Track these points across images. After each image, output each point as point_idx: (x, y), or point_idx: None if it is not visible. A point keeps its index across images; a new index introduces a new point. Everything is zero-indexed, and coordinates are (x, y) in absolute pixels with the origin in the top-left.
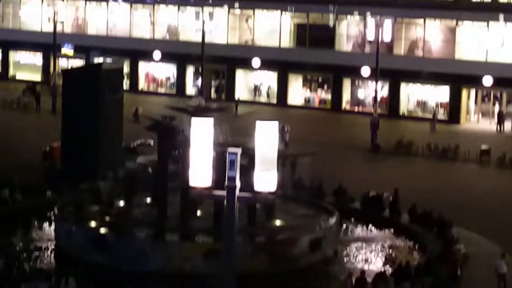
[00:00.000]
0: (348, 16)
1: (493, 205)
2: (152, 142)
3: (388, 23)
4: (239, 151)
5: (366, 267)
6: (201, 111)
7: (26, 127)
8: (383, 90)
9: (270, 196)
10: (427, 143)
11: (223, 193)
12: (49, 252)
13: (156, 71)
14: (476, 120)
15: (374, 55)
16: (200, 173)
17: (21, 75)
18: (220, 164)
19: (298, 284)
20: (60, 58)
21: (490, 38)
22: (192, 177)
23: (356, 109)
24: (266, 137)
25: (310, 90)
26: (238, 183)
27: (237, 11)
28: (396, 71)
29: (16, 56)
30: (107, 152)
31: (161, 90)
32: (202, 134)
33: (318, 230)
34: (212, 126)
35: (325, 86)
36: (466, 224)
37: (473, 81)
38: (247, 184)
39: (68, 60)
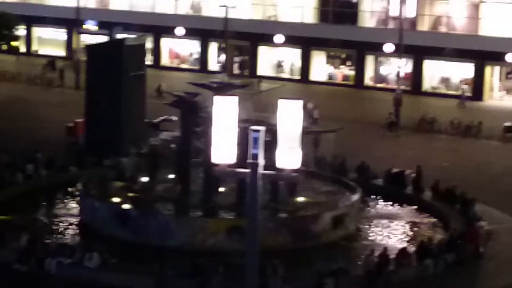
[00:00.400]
0: None
1: None
2: (175, 118)
3: None
4: (262, 128)
5: (388, 243)
6: (224, 88)
7: (49, 102)
8: (407, 67)
9: (294, 174)
10: (450, 120)
11: (246, 170)
12: (73, 227)
13: (179, 47)
14: (500, 97)
15: (398, 31)
16: (223, 150)
17: (44, 51)
18: (243, 140)
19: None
20: (83, 34)
21: None
22: (215, 154)
23: (379, 85)
24: (290, 115)
25: (333, 66)
26: (261, 161)
27: None
28: (419, 48)
29: (39, 32)
30: (130, 128)
31: (184, 66)
32: (224, 112)
33: (341, 207)
34: (236, 103)
35: (348, 62)
36: (489, 201)
37: (497, 57)
38: (270, 160)
39: (91, 36)
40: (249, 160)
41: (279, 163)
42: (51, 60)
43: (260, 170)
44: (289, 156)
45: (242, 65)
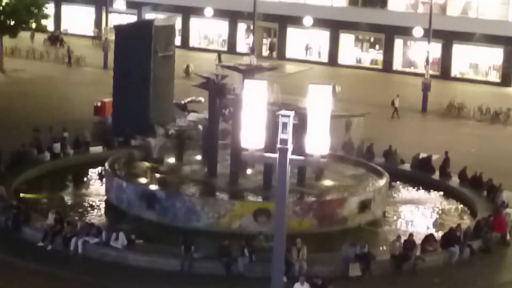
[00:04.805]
0: None
1: None
2: (203, 100)
3: None
4: (291, 113)
5: (414, 229)
6: (252, 70)
7: (78, 81)
8: (436, 51)
9: (322, 160)
10: (479, 106)
11: (274, 155)
12: (99, 207)
13: (208, 28)
14: None
15: (427, 15)
16: (252, 135)
17: (73, 30)
18: (271, 123)
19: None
20: (112, 13)
21: None
22: (244, 138)
23: (407, 69)
24: (319, 100)
25: (362, 50)
26: (290, 146)
27: None
28: (449, 32)
29: (68, 10)
30: (158, 108)
31: (212, 47)
32: (255, 96)
33: (367, 191)
34: (265, 88)
35: (377, 46)
36: None
37: None
38: (298, 144)
39: (120, 16)
40: (278, 145)
41: (308, 149)
42: (56, 35)
43: (289, 155)
44: (318, 142)
45: (270, 47)
